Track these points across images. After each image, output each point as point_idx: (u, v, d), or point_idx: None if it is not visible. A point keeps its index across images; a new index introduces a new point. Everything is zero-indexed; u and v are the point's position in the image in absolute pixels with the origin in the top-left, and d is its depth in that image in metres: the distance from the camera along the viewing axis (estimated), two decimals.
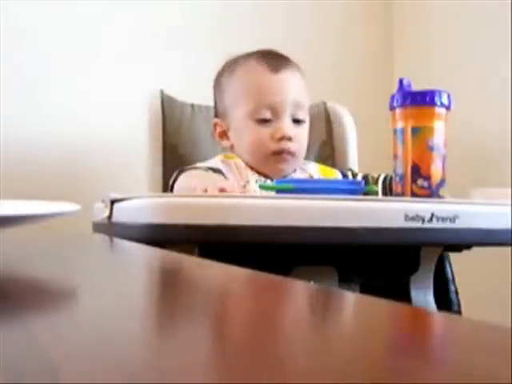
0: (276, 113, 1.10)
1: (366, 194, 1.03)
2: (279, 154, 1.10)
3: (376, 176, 1.17)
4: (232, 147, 1.16)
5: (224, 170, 1.11)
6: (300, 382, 0.18)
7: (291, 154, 1.10)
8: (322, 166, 1.26)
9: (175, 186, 1.06)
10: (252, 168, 1.12)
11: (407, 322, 0.28)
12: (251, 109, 1.10)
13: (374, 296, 0.30)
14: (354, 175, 1.21)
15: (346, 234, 0.78)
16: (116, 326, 0.25)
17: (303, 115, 1.14)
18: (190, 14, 1.76)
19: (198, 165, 1.12)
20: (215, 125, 1.19)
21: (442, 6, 1.87)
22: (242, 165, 1.13)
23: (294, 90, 1.12)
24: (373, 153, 1.68)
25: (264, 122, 1.10)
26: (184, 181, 1.05)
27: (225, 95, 1.16)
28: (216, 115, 1.21)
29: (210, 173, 1.06)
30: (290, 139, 1.10)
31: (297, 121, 1.12)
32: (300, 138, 1.13)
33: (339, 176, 1.22)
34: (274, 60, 1.14)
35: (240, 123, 1.13)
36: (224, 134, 1.17)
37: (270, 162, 1.08)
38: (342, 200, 0.80)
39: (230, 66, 1.18)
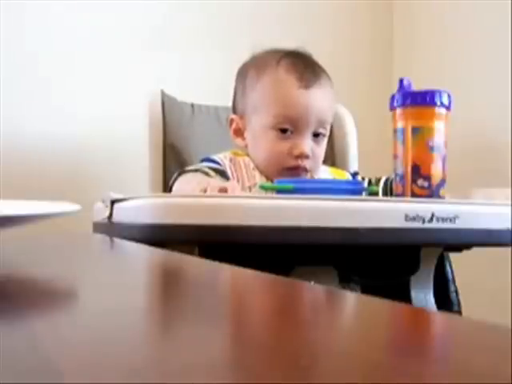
0: (298, 128, 1.08)
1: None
2: (294, 170, 1.08)
3: (378, 177, 1.17)
4: (245, 147, 1.15)
5: (230, 169, 1.11)
6: (300, 381, 0.18)
7: (306, 170, 1.09)
8: (333, 169, 1.25)
9: (174, 188, 1.06)
10: (261, 171, 1.11)
11: (407, 322, 0.28)
12: (274, 119, 1.08)
13: (374, 296, 0.30)
14: (363, 179, 1.20)
15: (347, 234, 0.78)
16: (116, 326, 0.25)
17: (325, 130, 1.12)
18: (191, 15, 1.76)
19: (202, 164, 1.11)
20: (231, 120, 1.16)
21: (442, 6, 1.87)
22: (251, 165, 1.12)
23: (320, 109, 1.09)
24: (373, 153, 1.68)
25: (284, 134, 1.08)
26: (182, 183, 1.04)
27: (248, 96, 1.13)
28: (234, 110, 1.18)
29: (212, 174, 1.05)
30: (307, 157, 1.09)
31: (317, 135, 1.11)
32: (317, 154, 1.11)
33: (349, 178, 1.22)
34: (306, 72, 1.10)
35: (259, 130, 1.11)
36: (239, 133, 1.15)
37: (283, 176, 1.06)
38: (342, 200, 0.80)
39: (258, 66, 1.14)
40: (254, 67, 1.15)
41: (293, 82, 1.08)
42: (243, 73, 1.17)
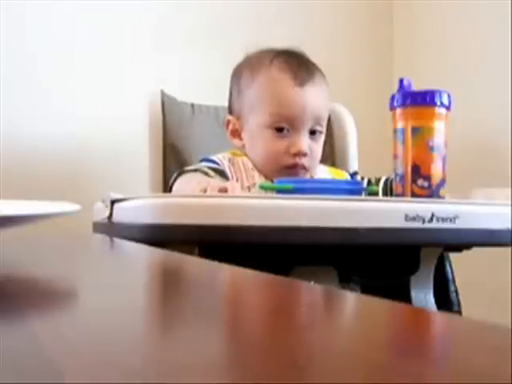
0: (294, 126, 1.08)
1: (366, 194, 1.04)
2: (292, 168, 1.09)
3: (378, 177, 1.17)
4: (243, 147, 1.15)
5: (229, 169, 1.11)
6: (299, 381, 0.18)
7: (304, 168, 1.09)
8: (332, 169, 1.25)
9: (173, 188, 1.06)
10: (260, 171, 1.11)
11: (407, 322, 0.28)
12: (270, 118, 1.08)
13: (374, 296, 0.30)
14: (362, 179, 1.20)
15: (346, 234, 0.78)
16: (116, 326, 0.25)
17: (321, 127, 1.12)
18: (191, 15, 1.76)
19: (201, 164, 1.11)
20: (228, 121, 1.17)
21: (442, 6, 1.87)
22: (250, 165, 1.12)
23: (315, 106, 1.10)
24: (373, 153, 1.68)
25: (281, 132, 1.08)
26: (182, 183, 1.04)
27: (243, 96, 1.13)
28: (230, 111, 1.18)
29: (212, 174, 1.05)
30: (304, 155, 1.09)
31: (314, 132, 1.11)
32: (315, 152, 1.11)
33: (348, 177, 1.22)
34: (299, 70, 1.10)
35: (256, 129, 1.11)
36: (236, 133, 1.15)
37: (281, 174, 1.06)
38: (342, 200, 0.80)
39: (252, 66, 1.14)
40: (247, 67, 1.15)
41: (287, 81, 1.09)
42: (237, 73, 1.17)
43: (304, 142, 1.08)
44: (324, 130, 1.14)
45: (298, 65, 1.11)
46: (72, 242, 0.73)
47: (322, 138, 1.14)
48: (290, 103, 1.08)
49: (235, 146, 1.16)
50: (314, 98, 1.10)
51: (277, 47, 1.15)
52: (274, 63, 1.11)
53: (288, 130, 1.08)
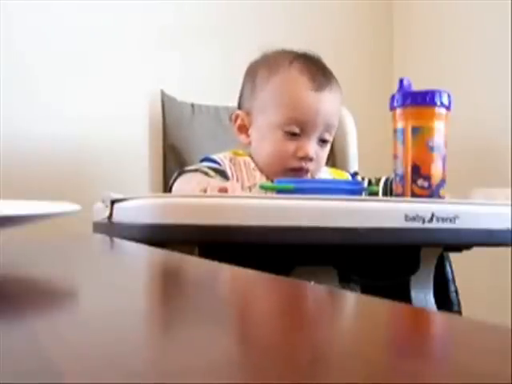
0: (305, 130, 1.08)
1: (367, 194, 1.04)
2: (297, 171, 1.09)
3: (378, 177, 1.17)
4: (249, 144, 1.15)
5: (230, 169, 1.10)
6: (299, 381, 0.18)
7: (308, 172, 1.09)
8: (333, 169, 1.25)
9: (173, 188, 1.05)
10: (261, 170, 1.11)
11: (407, 322, 0.28)
12: (282, 120, 1.08)
13: (374, 296, 0.30)
14: (363, 179, 1.20)
15: (346, 234, 0.78)
16: (116, 326, 0.25)
17: (330, 136, 1.12)
18: (191, 14, 1.76)
19: (201, 164, 1.11)
20: (237, 116, 1.16)
21: (442, 6, 1.87)
22: (251, 165, 1.12)
23: (329, 113, 1.10)
24: (373, 153, 1.68)
25: (291, 135, 1.08)
26: (182, 183, 1.04)
27: (257, 94, 1.13)
28: (239, 106, 1.18)
29: (212, 174, 1.05)
30: (311, 159, 1.09)
31: (322, 140, 1.11)
32: (320, 158, 1.11)
33: (349, 178, 1.22)
34: (317, 75, 1.10)
35: (266, 129, 1.10)
36: (244, 129, 1.15)
37: (285, 176, 1.05)
38: (342, 200, 0.80)
39: (270, 65, 1.13)
40: (265, 66, 1.14)
41: (305, 84, 1.08)
42: (253, 71, 1.16)
43: (312, 146, 1.09)
44: (331, 139, 1.14)
45: (317, 69, 1.11)
46: (72, 242, 0.73)
47: (329, 146, 1.14)
48: (305, 106, 1.08)
49: (241, 142, 1.16)
50: (329, 105, 1.10)
51: (294, 49, 1.15)
52: (293, 65, 1.10)
53: (298, 135, 1.08)
